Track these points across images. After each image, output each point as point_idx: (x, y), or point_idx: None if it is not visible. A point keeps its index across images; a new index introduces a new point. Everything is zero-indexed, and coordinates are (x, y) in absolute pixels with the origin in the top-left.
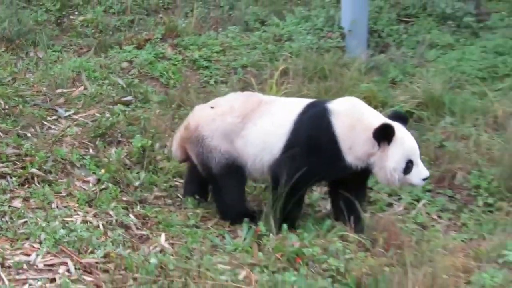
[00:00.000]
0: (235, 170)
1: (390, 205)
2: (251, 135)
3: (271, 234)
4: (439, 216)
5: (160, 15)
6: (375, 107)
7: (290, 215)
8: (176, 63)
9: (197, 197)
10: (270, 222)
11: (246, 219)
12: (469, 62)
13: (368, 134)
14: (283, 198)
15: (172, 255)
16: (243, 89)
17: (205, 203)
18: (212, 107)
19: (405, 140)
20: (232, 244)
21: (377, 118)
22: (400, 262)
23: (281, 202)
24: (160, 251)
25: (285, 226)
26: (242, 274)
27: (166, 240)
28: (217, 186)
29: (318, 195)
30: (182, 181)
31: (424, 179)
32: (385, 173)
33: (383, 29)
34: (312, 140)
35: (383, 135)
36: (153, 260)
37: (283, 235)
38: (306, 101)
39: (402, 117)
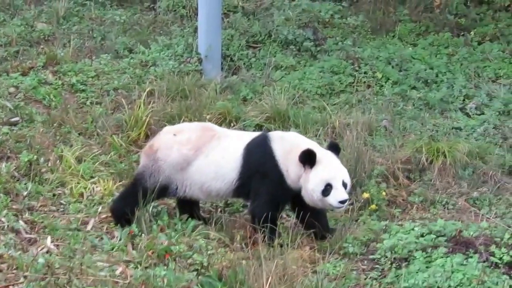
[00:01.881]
0: (162, 190)
1: (245, 206)
2: (202, 165)
3: (143, 234)
4: (287, 215)
5: (42, 46)
6: (230, 122)
7: (268, 239)
8: (57, 87)
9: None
10: (142, 224)
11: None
12: (310, 80)
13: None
14: (258, 223)
15: (57, 255)
16: (115, 108)
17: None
18: (174, 135)
19: (326, 166)
20: (109, 244)
21: (308, 145)
22: (255, 256)
23: (257, 226)
24: (47, 252)
25: (154, 226)
26: (119, 270)
27: (51, 242)
28: (130, 192)
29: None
30: (64, 190)
31: (341, 202)
32: (307, 193)
33: (234, 54)
34: (260, 166)
35: (306, 158)
36: (40, 260)
37: (153, 235)
38: (253, 134)
39: (334, 147)
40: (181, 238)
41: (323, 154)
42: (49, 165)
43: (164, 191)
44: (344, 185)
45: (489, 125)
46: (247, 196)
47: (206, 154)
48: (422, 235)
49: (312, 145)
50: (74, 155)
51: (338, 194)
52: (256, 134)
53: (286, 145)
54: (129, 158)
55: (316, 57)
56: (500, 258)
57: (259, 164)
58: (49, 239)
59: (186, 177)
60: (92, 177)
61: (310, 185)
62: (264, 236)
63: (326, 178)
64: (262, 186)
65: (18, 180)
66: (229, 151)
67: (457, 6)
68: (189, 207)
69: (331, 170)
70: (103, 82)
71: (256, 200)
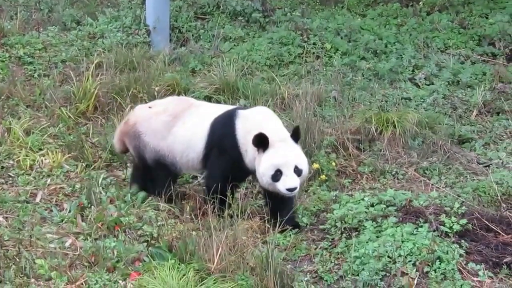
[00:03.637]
0: (163, 165)
1: (195, 177)
2: (180, 132)
3: (92, 206)
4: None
5: None
6: (179, 94)
7: (218, 210)
8: (4, 60)
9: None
10: (91, 195)
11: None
12: (258, 52)
13: None
14: (208, 194)
15: (6, 227)
16: (63, 81)
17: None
18: (150, 107)
19: (279, 151)
20: (59, 216)
21: (269, 126)
22: (205, 226)
23: (207, 198)
24: None
25: (103, 198)
26: (68, 242)
27: (0, 215)
28: (151, 174)
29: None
30: (12, 162)
31: (288, 189)
32: (258, 175)
33: (183, 26)
34: (221, 141)
35: (258, 142)
36: None
37: (103, 207)
38: (225, 107)
39: (295, 134)
40: (130, 209)
41: (279, 139)
42: None
43: (163, 166)
44: (298, 171)
45: (438, 95)
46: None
47: (183, 121)
48: (372, 205)
49: (276, 126)
50: (22, 128)
51: (287, 181)
52: (230, 108)
53: (248, 125)
54: (77, 130)
55: (265, 28)
56: (450, 227)
57: (220, 140)
58: None
59: (169, 149)
60: (40, 149)
61: (261, 168)
62: (214, 207)
63: (277, 164)
64: (218, 161)
65: None
66: (202, 120)
67: None
68: (139, 175)
69: (283, 155)
70: (51, 55)
71: (209, 172)
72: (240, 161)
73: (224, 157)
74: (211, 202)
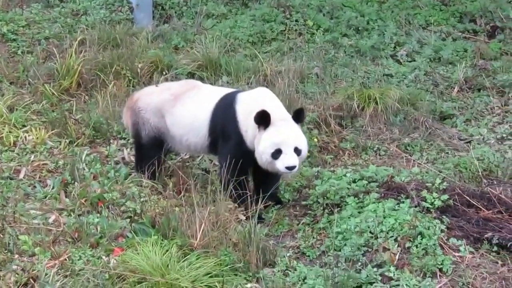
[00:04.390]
0: (159, 144)
1: (178, 154)
2: (179, 113)
3: (76, 183)
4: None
5: None
6: (162, 70)
7: (236, 195)
8: None
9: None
10: (75, 172)
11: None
12: (241, 29)
13: None
14: (224, 182)
15: None
16: (46, 58)
17: None
18: (156, 85)
19: (280, 129)
20: (42, 192)
21: (270, 106)
22: (188, 202)
23: (224, 186)
24: None
25: (87, 174)
26: (52, 218)
27: None
28: (140, 151)
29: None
30: None
31: (288, 167)
32: (258, 154)
33: (166, 3)
34: (224, 127)
35: (260, 119)
36: None
37: (86, 183)
38: (226, 90)
39: (298, 114)
40: (114, 185)
41: (281, 118)
42: None
43: (159, 144)
44: (298, 151)
45: (420, 71)
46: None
47: (183, 103)
48: (354, 181)
49: (277, 106)
50: (5, 104)
51: (286, 159)
52: (231, 91)
53: (248, 107)
54: (61, 107)
55: (247, 5)
56: (432, 203)
57: (222, 125)
58: None
59: (168, 129)
60: (24, 126)
61: (261, 146)
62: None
63: (277, 142)
64: (225, 149)
65: None
66: (204, 103)
67: None
68: None
69: (283, 134)
70: (34, 32)
71: (221, 164)
72: (242, 144)
73: (229, 145)
74: (228, 193)
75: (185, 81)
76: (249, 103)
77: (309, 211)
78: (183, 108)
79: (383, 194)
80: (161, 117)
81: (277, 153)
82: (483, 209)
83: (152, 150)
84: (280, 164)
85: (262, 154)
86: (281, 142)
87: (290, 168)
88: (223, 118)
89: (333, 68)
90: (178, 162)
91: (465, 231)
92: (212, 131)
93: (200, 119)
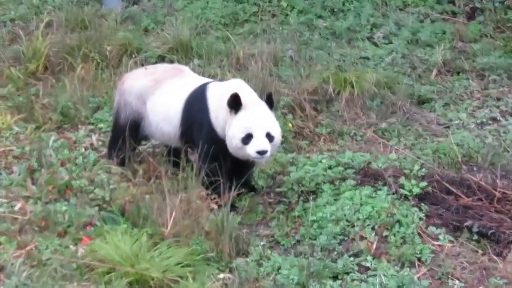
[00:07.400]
0: (135, 129)
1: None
2: (157, 100)
3: (42, 169)
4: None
5: None
6: (131, 53)
7: (208, 182)
8: None
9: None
10: (42, 158)
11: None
12: (213, 10)
13: None
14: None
15: None
16: (12, 40)
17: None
18: (146, 68)
19: (251, 113)
20: (8, 179)
21: (242, 92)
22: (159, 190)
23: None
24: None
25: (54, 161)
26: (18, 205)
27: None
28: (114, 134)
29: None
30: None
31: (258, 152)
32: (228, 139)
33: None
34: (195, 116)
35: (231, 103)
36: None
37: (53, 169)
38: (206, 81)
39: (269, 99)
40: (82, 172)
41: (253, 102)
42: None
43: (135, 128)
44: (270, 137)
45: (397, 54)
46: (191, 147)
47: (162, 90)
48: (330, 167)
49: (248, 92)
50: None
51: (257, 144)
52: (209, 81)
53: (218, 93)
54: (27, 91)
55: None
56: (410, 190)
57: (194, 114)
58: None
59: (147, 115)
60: None
61: (231, 131)
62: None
63: (248, 126)
64: (198, 139)
65: None
66: (180, 92)
67: None
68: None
69: (255, 118)
70: (0, 13)
71: (198, 156)
72: (212, 131)
73: (202, 134)
74: (205, 186)
75: (172, 66)
76: (220, 90)
77: (284, 199)
78: (162, 95)
79: (359, 181)
80: (143, 102)
81: (247, 138)
82: (462, 196)
83: (127, 133)
84: (251, 149)
85: (232, 139)
86: (252, 127)
87: (262, 152)
88: (195, 107)
89: (308, 51)
90: (149, 148)
91: (445, 219)
92: (184, 121)
93: (174, 108)
